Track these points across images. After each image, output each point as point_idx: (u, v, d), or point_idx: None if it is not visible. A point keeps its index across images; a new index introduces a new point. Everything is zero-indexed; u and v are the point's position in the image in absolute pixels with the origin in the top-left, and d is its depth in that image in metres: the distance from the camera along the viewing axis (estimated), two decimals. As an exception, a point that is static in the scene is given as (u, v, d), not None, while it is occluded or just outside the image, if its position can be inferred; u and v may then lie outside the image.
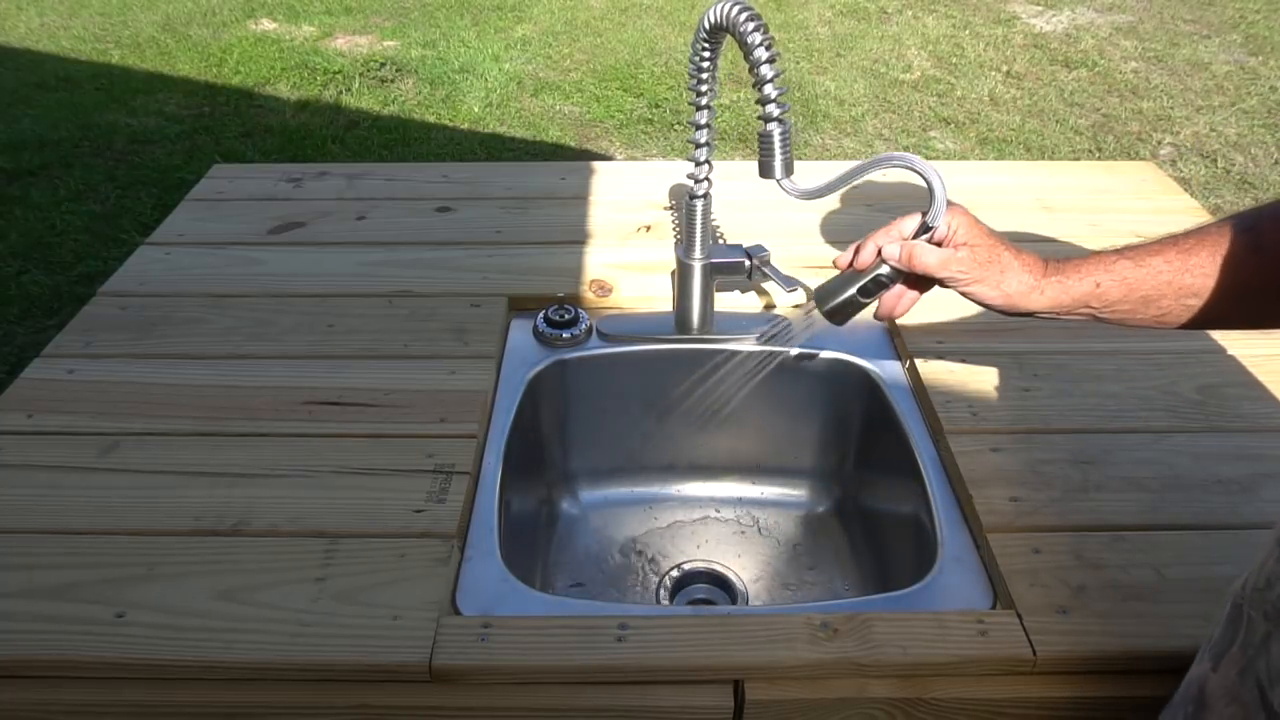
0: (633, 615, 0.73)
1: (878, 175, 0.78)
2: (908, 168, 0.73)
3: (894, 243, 0.76)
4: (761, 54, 0.77)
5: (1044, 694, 0.69)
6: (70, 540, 0.78)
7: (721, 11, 0.80)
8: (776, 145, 0.79)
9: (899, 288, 0.79)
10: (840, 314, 0.82)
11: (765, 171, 0.81)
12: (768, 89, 0.78)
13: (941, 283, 0.74)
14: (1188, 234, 0.65)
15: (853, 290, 0.80)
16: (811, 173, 1.42)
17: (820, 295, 0.83)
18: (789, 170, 0.81)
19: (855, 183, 0.78)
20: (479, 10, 4.75)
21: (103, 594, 0.73)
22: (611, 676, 0.69)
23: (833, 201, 1.34)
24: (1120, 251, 0.67)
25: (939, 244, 0.74)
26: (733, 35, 0.80)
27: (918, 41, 4.38)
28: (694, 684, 0.70)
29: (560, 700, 0.69)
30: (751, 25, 0.77)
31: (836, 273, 0.82)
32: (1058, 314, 0.71)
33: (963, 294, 0.74)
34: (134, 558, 0.76)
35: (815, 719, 0.70)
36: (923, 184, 0.74)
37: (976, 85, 3.92)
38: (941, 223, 0.74)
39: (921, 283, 0.78)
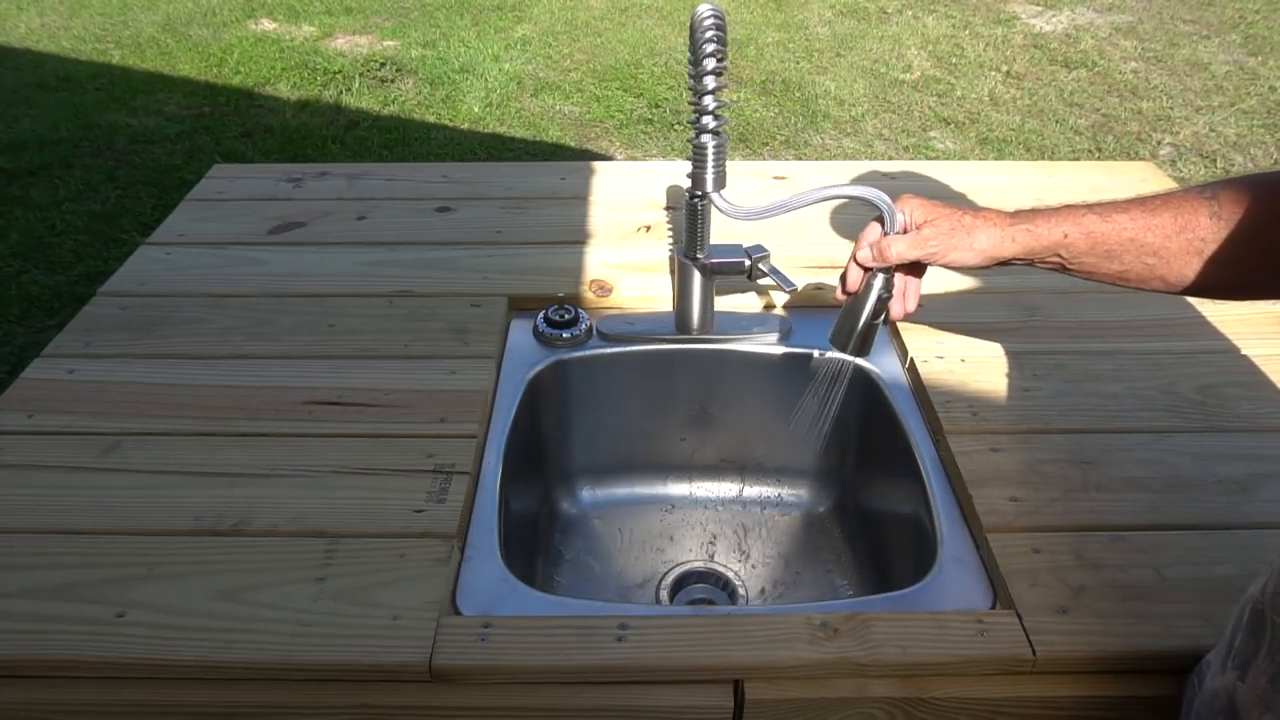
0: (633, 615, 0.73)
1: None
2: (848, 197, 0.80)
3: (864, 248, 0.80)
4: (710, 64, 0.77)
5: (1044, 694, 0.69)
6: (71, 540, 0.78)
7: (697, 13, 0.80)
8: (709, 158, 0.80)
9: (899, 286, 0.82)
10: (864, 344, 0.84)
11: (697, 184, 0.82)
12: (707, 100, 0.78)
13: (923, 263, 0.79)
14: (1154, 196, 0.68)
15: (864, 317, 0.82)
16: (808, 174, 1.42)
17: (838, 338, 0.85)
18: (720, 184, 0.82)
19: (797, 209, 0.82)
20: (479, 10, 4.75)
21: (103, 594, 0.73)
22: (611, 676, 0.69)
23: (833, 202, 1.34)
24: (1089, 206, 0.71)
25: (911, 227, 0.79)
26: (691, 38, 0.80)
27: (918, 41, 4.38)
28: (694, 684, 0.70)
29: (560, 700, 0.69)
30: (710, 34, 0.77)
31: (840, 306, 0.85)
32: (1032, 260, 0.75)
33: (944, 265, 0.78)
34: (134, 558, 0.76)
35: (815, 719, 0.70)
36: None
37: (976, 85, 3.92)
38: (898, 217, 0.79)
39: (914, 270, 0.82)
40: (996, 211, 0.75)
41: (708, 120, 0.80)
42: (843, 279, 0.83)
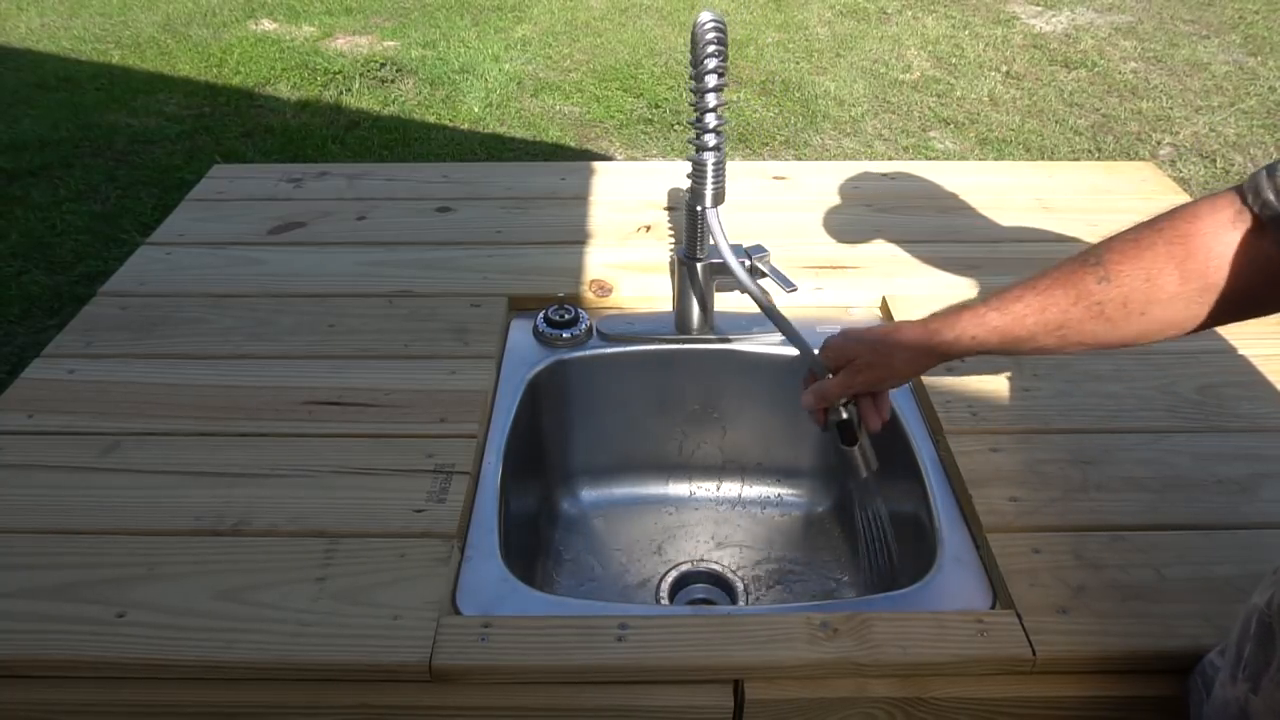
0: (633, 615, 0.73)
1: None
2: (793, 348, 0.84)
3: (808, 396, 0.84)
4: (712, 80, 0.76)
5: (1044, 694, 0.69)
6: (71, 540, 0.78)
7: (700, 22, 0.80)
8: (709, 174, 0.80)
9: (865, 403, 0.84)
10: (865, 463, 0.86)
11: (696, 200, 0.81)
12: (709, 118, 0.78)
13: (863, 394, 0.83)
14: (1043, 275, 0.71)
15: (841, 448, 0.85)
16: (808, 174, 1.42)
17: (847, 470, 0.87)
18: (719, 200, 0.82)
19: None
20: (479, 10, 4.75)
21: (103, 594, 0.73)
22: (611, 676, 0.69)
23: (833, 202, 1.34)
24: (987, 302, 0.74)
25: (836, 369, 0.82)
26: (693, 50, 0.80)
27: (917, 42, 4.38)
28: (694, 684, 0.70)
29: (560, 700, 0.69)
30: (712, 48, 0.76)
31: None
32: (953, 359, 0.78)
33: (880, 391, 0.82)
34: (134, 558, 0.76)
35: (815, 719, 0.70)
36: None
37: (976, 85, 3.92)
38: (819, 360, 0.83)
39: (873, 394, 0.84)
40: (907, 324, 0.78)
41: (709, 138, 0.80)
42: (817, 415, 0.86)
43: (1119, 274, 0.68)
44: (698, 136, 0.85)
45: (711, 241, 1.00)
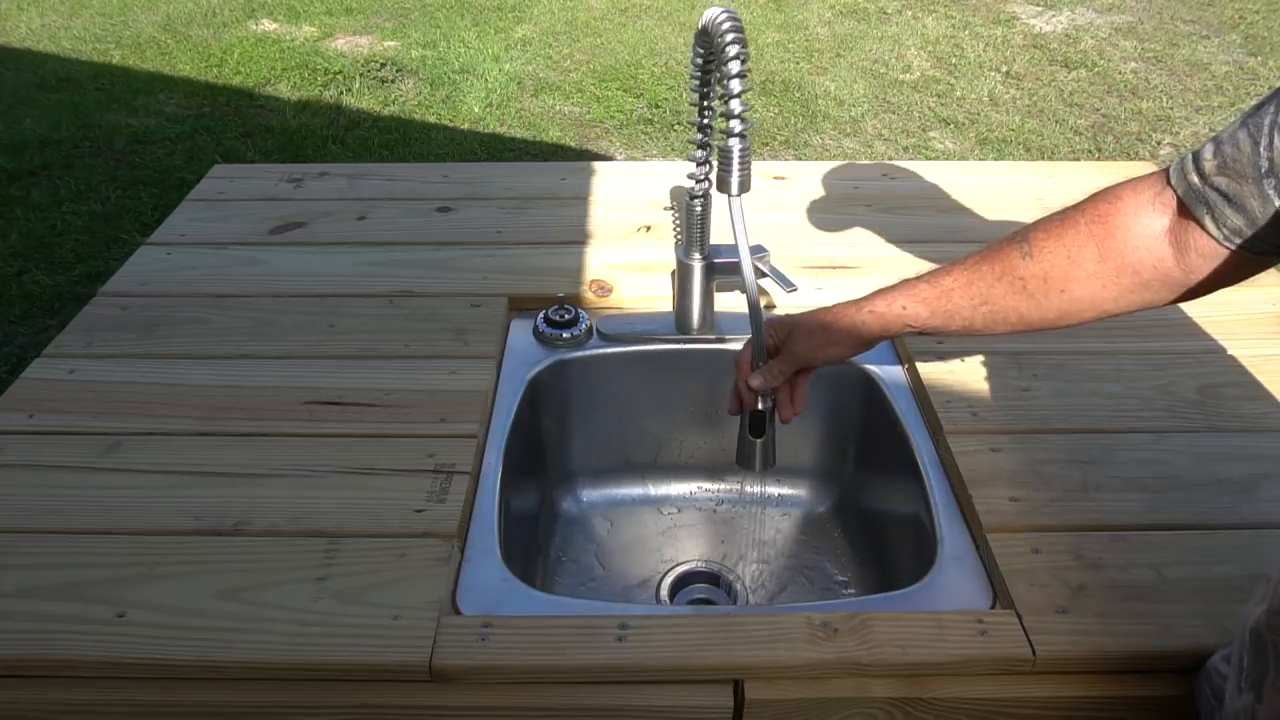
0: (633, 615, 0.73)
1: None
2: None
3: (756, 377, 0.84)
4: (734, 66, 0.76)
5: (1044, 694, 0.69)
6: (71, 540, 0.78)
7: (710, 16, 0.80)
8: (735, 162, 0.80)
9: (784, 392, 0.86)
10: (764, 459, 0.88)
11: (722, 187, 0.82)
12: (734, 104, 0.78)
13: (802, 369, 0.84)
14: (975, 254, 0.75)
15: (748, 438, 0.87)
16: (808, 174, 1.42)
17: (743, 461, 0.89)
18: (745, 188, 0.82)
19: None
20: (479, 10, 4.75)
21: (104, 594, 0.73)
22: (611, 676, 0.69)
23: (833, 202, 1.34)
24: (920, 277, 0.78)
25: (771, 354, 0.84)
26: (712, 41, 0.80)
27: (917, 42, 4.38)
28: (694, 684, 0.70)
29: (560, 700, 0.69)
30: (730, 36, 0.76)
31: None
32: (891, 336, 0.83)
33: (820, 364, 0.84)
34: (135, 557, 0.76)
35: (815, 719, 0.70)
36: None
37: (976, 85, 3.92)
38: (762, 346, 0.84)
39: (801, 374, 0.85)
40: (845, 303, 0.82)
41: (735, 124, 0.80)
42: (733, 399, 0.88)
43: (1042, 251, 0.71)
44: (726, 123, 0.84)
45: (731, 235, 1.00)
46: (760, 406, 0.86)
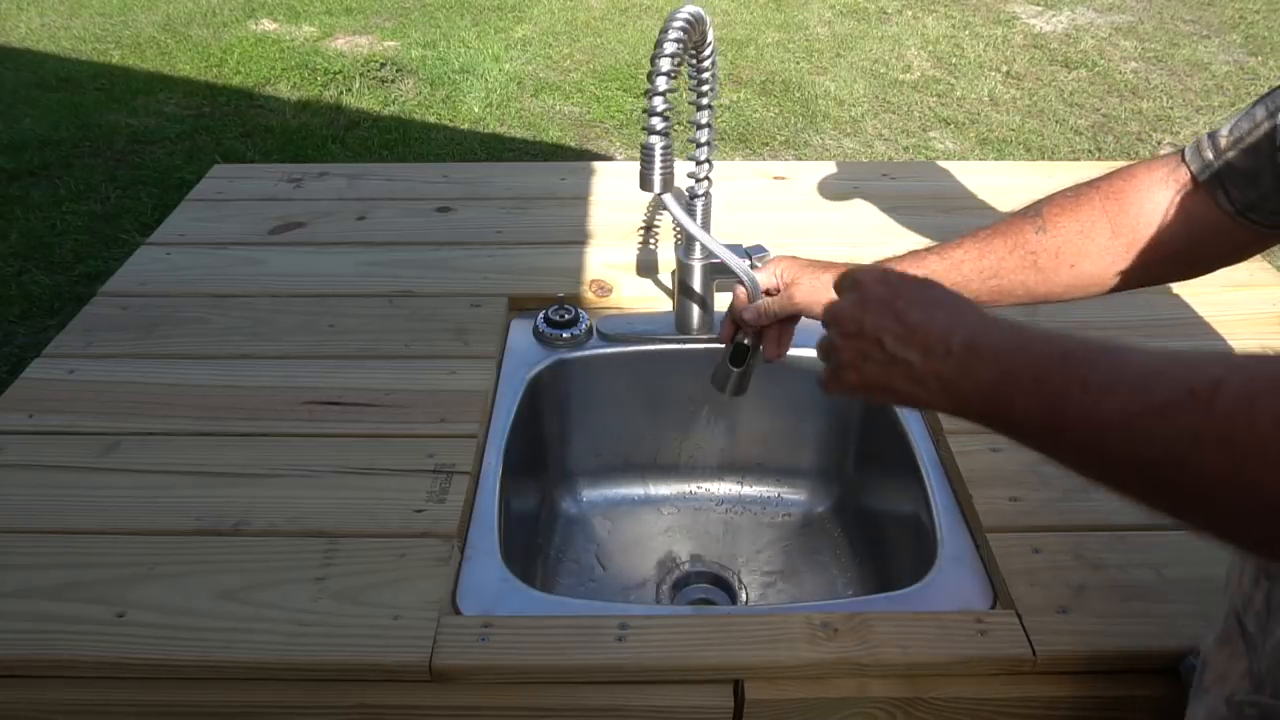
0: (633, 615, 0.73)
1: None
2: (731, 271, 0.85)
3: (748, 310, 0.85)
4: (664, 64, 0.78)
5: (1044, 694, 0.69)
6: (71, 540, 0.78)
7: (693, 12, 0.81)
8: (657, 159, 0.82)
9: (774, 332, 0.87)
10: (736, 387, 0.90)
11: (644, 184, 0.83)
12: (657, 100, 0.80)
13: (795, 314, 0.84)
14: (987, 227, 0.76)
15: (726, 365, 0.89)
16: (808, 174, 1.42)
17: (718, 381, 0.91)
18: (668, 185, 0.84)
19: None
20: (479, 10, 4.75)
21: (103, 594, 0.73)
22: (611, 676, 0.69)
23: (833, 202, 1.34)
24: (930, 248, 0.77)
25: (772, 292, 0.85)
26: (692, 35, 0.81)
27: (918, 42, 4.38)
28: (694, 684, 0.70)
29: (560, 700, 0.69)
30: (711, 34, 0.78)
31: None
32: None
33: (814, 316, 0.81)
34: (134, 558, 0.76)
35: (815, 719, 0.70)
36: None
37: (976, 85, 3.92)
38: (761, 280, 0.85)
39: (789, 319, 0.86)
40: (854, 267, 0.80)
41: (656, 121, 0.83)
42: (726, 325, 0.89)
43: (1055, 225, 0.71)
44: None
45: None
46: (747, 341, 0.88)
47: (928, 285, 0.57)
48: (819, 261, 0.84)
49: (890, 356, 0.54)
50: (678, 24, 0.79)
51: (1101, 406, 0.42)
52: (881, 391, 0.56)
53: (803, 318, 0.85)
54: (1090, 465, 0.45)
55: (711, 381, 0.92)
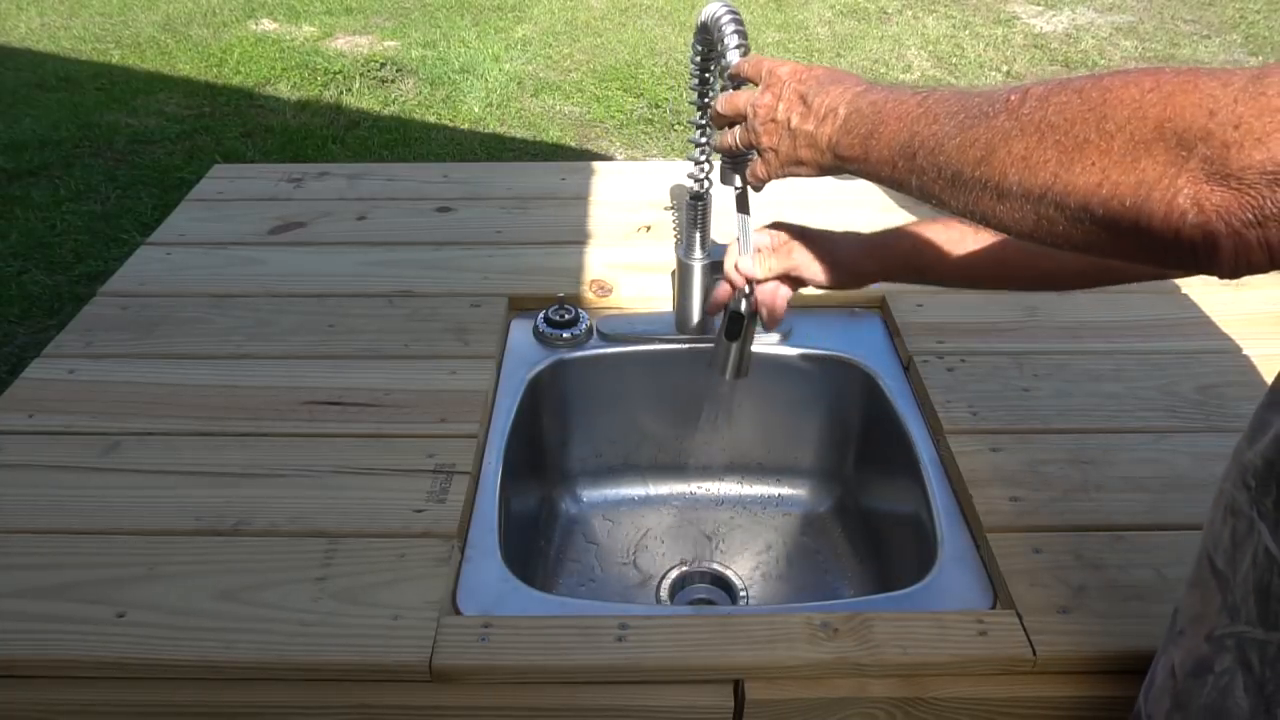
0: (633, 615, 0.73)
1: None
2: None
3: (745, 261, 0.85)
4: (735, 57, 0.77)
5: (1044, 694, 0.69)
6: (71, 540, 0.78)
7: (710, 11, 0.80)
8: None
9: (769, 298, 0.86)
10: (736, 367, 0.88)
11: (726, 179, 0.84)
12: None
13: (791, 276, 0.85)
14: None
15: (723, 339, 0.87)
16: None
17: (712, 364, 0.89)
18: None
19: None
20: (479, 10, 4.75)
21: (103, 594, 0.73)
22: (611, 676, 0.69)
23: (833, 203, 1.34)
24: (921, 221, 0.82)
25: (775, 250, 0.85)
26: (712, 34, 0.80)
27: (918, 41, 4.38)
28: (694, 684, 0.70)
29: (560, 700, 0.69)
30: (731, 28, 0.77)
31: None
32: (889, 276, 0.85)
33: (809, 280, 0.85)
34: (134, 557, 0.76)
35: (815, 719, 0.70)
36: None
37: (977, 85, 3.92)
38: (753, 240, 0.85)
39: (790, 283, 0.87)
40: (855, 233, 0.85)
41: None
42: (718, 291, 0.89)
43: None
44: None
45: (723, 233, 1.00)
46: (743, 309, 0.86)
47: (830, 70, 0.65)
48: (813, 229, 0.87)
49: (794, 132, 0.64)
50: (732, 16, 0.77)
51: (944, 126, 0.51)
52: (793, 164, 0.66)
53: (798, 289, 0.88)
54: (936, 179, 0.52)
55: (710, 365, 0.89)
